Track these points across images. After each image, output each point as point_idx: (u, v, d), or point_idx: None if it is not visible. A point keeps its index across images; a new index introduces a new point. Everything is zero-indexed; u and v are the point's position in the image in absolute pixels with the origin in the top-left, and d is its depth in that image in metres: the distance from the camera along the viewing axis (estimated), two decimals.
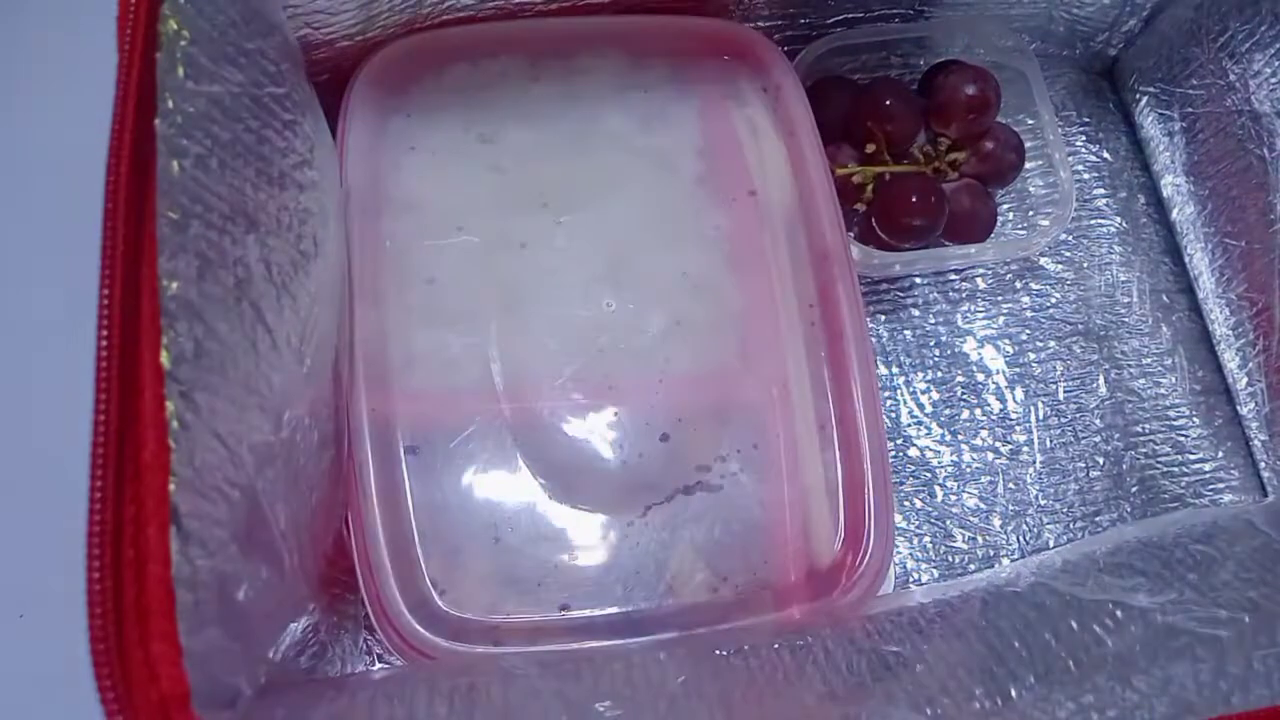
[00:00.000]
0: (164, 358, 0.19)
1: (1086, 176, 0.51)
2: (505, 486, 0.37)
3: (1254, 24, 0.44)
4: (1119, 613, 0.32)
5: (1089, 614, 0.32)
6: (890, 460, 0.44)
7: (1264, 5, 0.43)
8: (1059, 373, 0.47)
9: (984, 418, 0.46)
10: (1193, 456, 0.47)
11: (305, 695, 0.25)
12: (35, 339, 0.44)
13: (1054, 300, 0.48)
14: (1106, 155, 0.51)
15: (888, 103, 0.45)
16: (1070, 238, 0.49)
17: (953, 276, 0.48)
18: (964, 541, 0.44)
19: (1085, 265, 0.49)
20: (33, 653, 0.40)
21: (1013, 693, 0.30)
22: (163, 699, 0.18)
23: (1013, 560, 0.44)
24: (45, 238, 0.44)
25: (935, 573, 0.44)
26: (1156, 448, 0.46)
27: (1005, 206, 0.49)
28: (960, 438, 0.46)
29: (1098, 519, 0.45)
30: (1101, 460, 0.46)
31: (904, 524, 0.44)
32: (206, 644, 0.19)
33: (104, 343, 0.19)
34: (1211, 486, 0.46)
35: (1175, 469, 0.46)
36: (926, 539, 0.44)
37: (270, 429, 0.24)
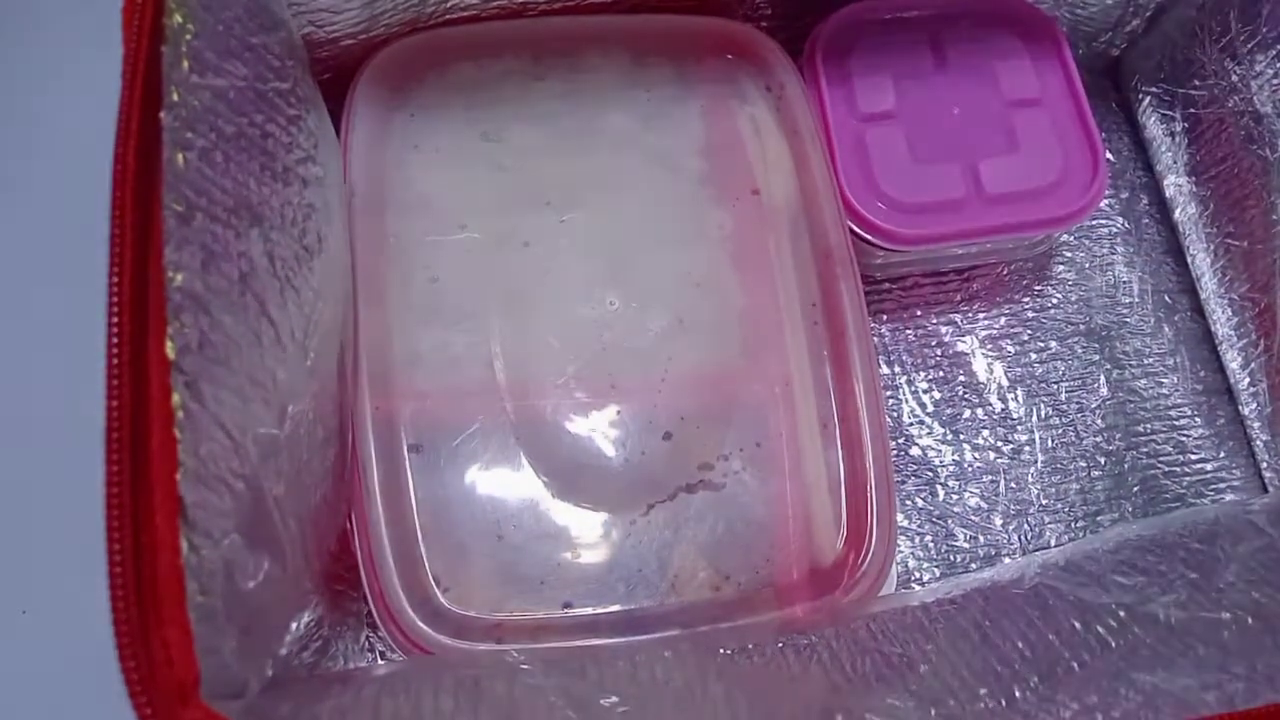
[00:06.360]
0: (169, 348, 0.19)
1: None
2: (508, 484, 0.37)
3: (1255, 25, 0.44)
4: (1122, 613, 0.32)
5: (1092, 614, 0.32)
6: (892, 459, 0.44)
7: (1265, 7, 0.43)
8: (1061, 373, 0.47)
9: (985, 417, 0.46)
10: (1194, 457, 0.47)
11: (310, 690, 0.25)
12: (36, 333, 0.44)
13: (1056, 300, 0.48)
14: (1109, 155, 0.51)
15: None
16: (1072, 238, 0.49)
17: (955, 276, 0.48)
18: (966, 541, 0.44)
19: (1087, 265, 0.49)
20: (36, 648, 0.40)
21: (1016, 693, 0.30)
22: (178, 685, 0.18)
23: (1014, 559, 0.44)
24: (50, 230, 0.44)
25: (937, 571, 0.44)
26: (1158, 448, 0.46)
27: None
28: (962, 437, 0.46)
29: (1099, 519, 0.45)
30: (1103, 460, 0.46)
31: (906, 523, 0.44)
32: (214, 633, 0.19)
33: (114, 332, 0.19)
34: (1213, 487, 0.46)
35: (1177, 469, 0.46)
36: (928, 538, 0.44)
37: (274, 422, 0.24)
